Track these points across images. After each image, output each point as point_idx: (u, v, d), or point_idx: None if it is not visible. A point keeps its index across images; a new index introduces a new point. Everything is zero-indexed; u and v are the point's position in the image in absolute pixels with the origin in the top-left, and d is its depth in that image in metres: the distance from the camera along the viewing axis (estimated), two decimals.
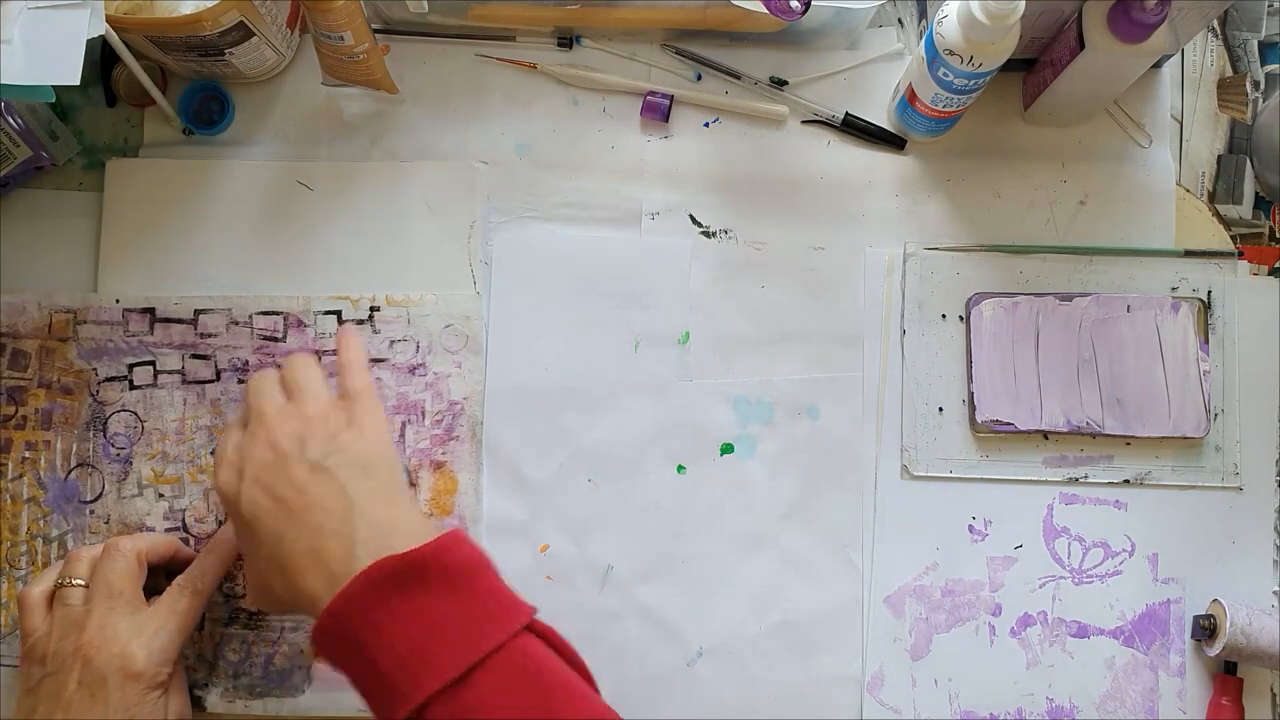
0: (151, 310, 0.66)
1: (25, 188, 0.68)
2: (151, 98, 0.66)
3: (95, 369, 0.66)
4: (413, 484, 0.65)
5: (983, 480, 0.66)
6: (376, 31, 0.67)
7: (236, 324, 0.66)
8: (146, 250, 0.67)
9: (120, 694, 0.55)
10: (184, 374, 0.66)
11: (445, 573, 0.50)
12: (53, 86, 0.55)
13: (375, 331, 0.66)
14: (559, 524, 0.66)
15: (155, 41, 0.62)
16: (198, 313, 0.66)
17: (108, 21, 0.57)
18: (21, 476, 0.66)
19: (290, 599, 0.52)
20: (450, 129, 0.69)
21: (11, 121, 0.64)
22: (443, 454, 0.66)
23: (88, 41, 0.55)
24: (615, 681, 0.64)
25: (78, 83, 0.55)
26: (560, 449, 0.66)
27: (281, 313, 0.66)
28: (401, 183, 0.68)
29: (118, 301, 0.67)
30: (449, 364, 0.66)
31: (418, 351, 0.66)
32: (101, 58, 0.68)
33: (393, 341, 0.66)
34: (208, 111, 0.69)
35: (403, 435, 0.66)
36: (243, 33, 0.62)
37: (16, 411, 0.66)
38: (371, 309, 0.66)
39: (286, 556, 0.52)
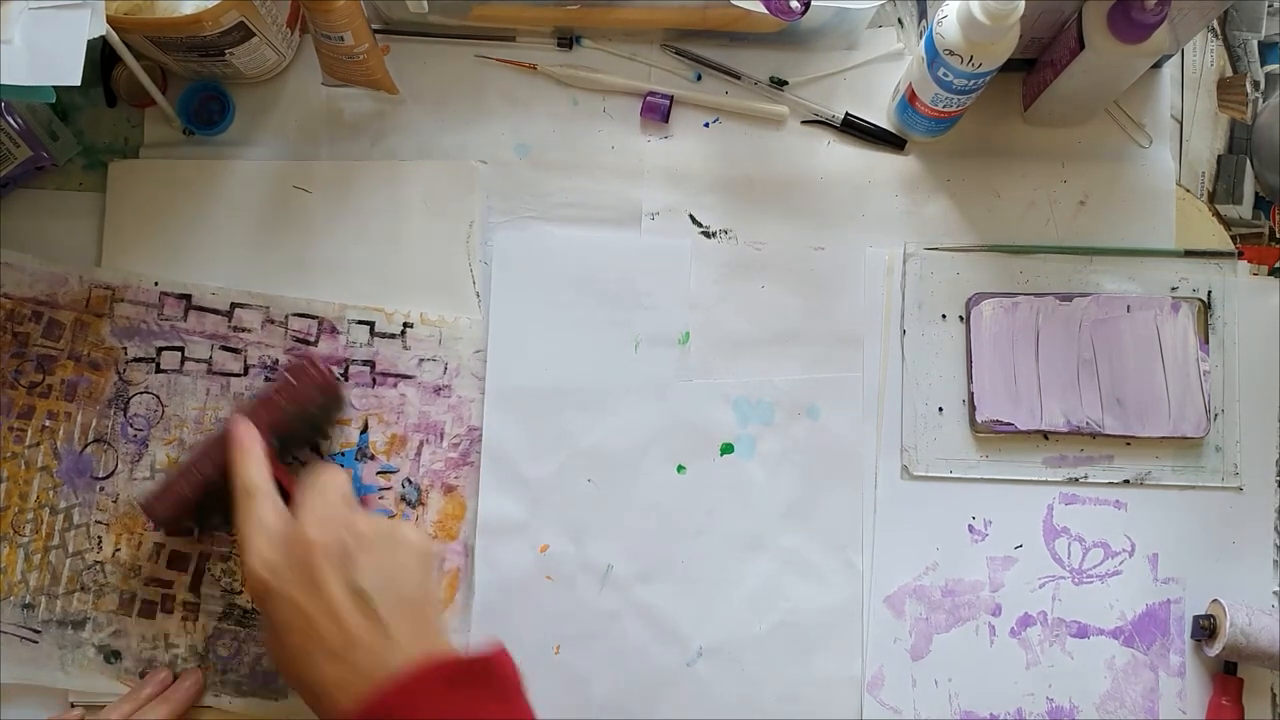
0: (188, 296, 0.67)
1: (25, 188, 0.68)
2: (152, 98, 0.66)
3: (125, 348, 0.66)
4: (422, 503, 0.65)
5: (983, 480, 0.66)
6: (376, 32, 0.67)
7: (272, 322, 0.66)
8: (149, 250, 0.67)
9: None
10: (211, 364, 0.66)
11: (501, 682, 0.50)
12: (53, 87, 0.55)
13: (405, 348, 0.66)
14: (559, 524, 0.66)
15: (156, 42, 0.62)
16: (234, 306, 0.67)
17: (108, 22, 0.57)
18: (39, 445, 0.66)
19: (313, 696, 0.50)
20: (450, 129, 0.69)
21: (12, 121, 0.64)
22: (455, 478, 0.66)
23: (88, 42, 0.55)
24: (615, 681, 0.64)
25: (79, 83, 0.55)
26: (560, 449, 0.66)
27: (317, 317, 0.67)
28: (401, 182, 0.68)
29: (156, 284, 0.67)
30: (474, 389, 0.66)
31: (445, 373, 0.66)
32: (102, 58, 0.68)
33: (421, 360, 0.66)
34: (208, 112, 0.69)
35: (419, 455, 0.66)
36: (243, 33, 0.62)
37: (43, 380, 0.66)
38: (405, 325, 0.66)
39: (309, 667, 0.50)
